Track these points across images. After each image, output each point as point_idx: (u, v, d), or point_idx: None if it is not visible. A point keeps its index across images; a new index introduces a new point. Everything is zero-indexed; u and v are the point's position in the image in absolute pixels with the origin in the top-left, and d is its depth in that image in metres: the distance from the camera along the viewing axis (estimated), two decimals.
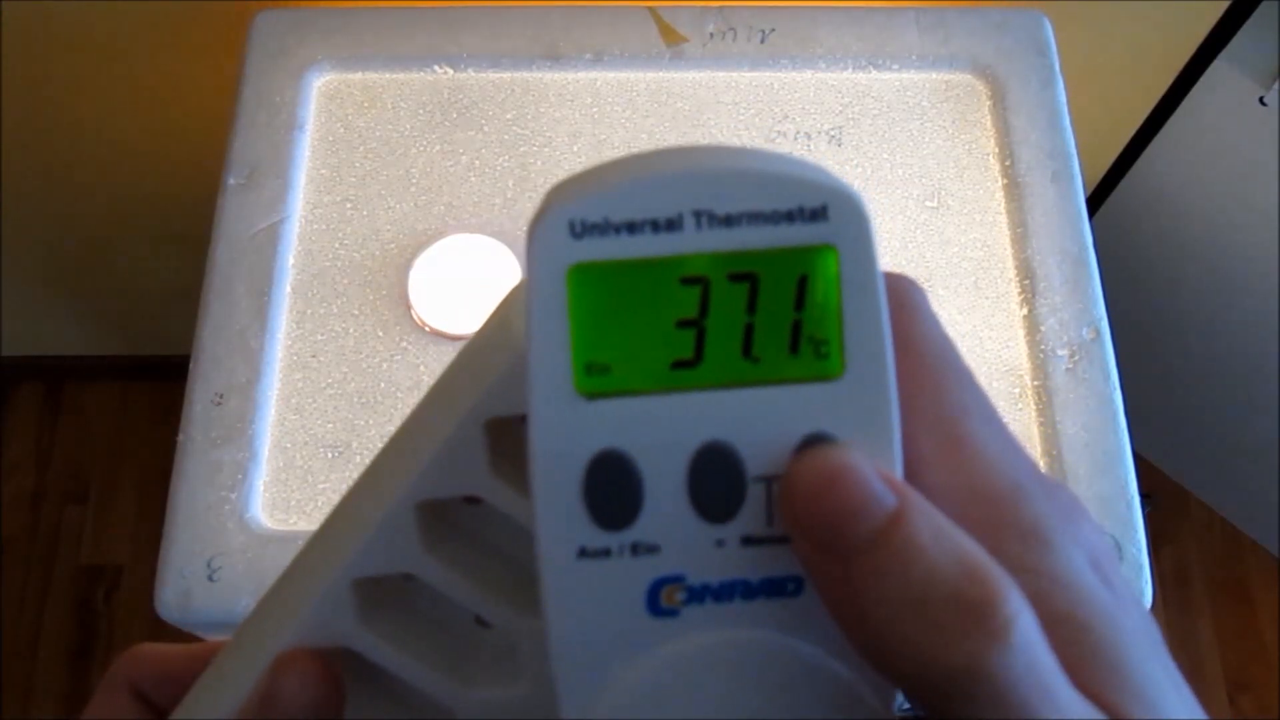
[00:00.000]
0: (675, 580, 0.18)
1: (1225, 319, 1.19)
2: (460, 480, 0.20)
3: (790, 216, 0.17)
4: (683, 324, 0.18)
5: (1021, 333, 0.71)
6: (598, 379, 0.17)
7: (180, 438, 0.66)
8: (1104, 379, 0.69)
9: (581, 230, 0.17)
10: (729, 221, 0.17)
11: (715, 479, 0.18)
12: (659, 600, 0.18)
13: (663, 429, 0.18)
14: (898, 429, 0.18)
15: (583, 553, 0.18)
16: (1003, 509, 0.19)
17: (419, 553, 0.21)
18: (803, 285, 0.18)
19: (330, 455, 0.66)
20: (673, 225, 0.17)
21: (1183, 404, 1.33)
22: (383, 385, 0.69)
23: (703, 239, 0.17)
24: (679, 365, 0.18)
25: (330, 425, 0.67)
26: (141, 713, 0.25)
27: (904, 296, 0.20)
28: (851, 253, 0.17)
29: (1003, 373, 0.70)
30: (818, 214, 0.17)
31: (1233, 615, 1.40)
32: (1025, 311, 0.71)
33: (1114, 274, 0.79)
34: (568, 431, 0.17)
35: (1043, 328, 0.70)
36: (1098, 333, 0.70)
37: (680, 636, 0.18)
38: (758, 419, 0.18)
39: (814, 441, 0.18)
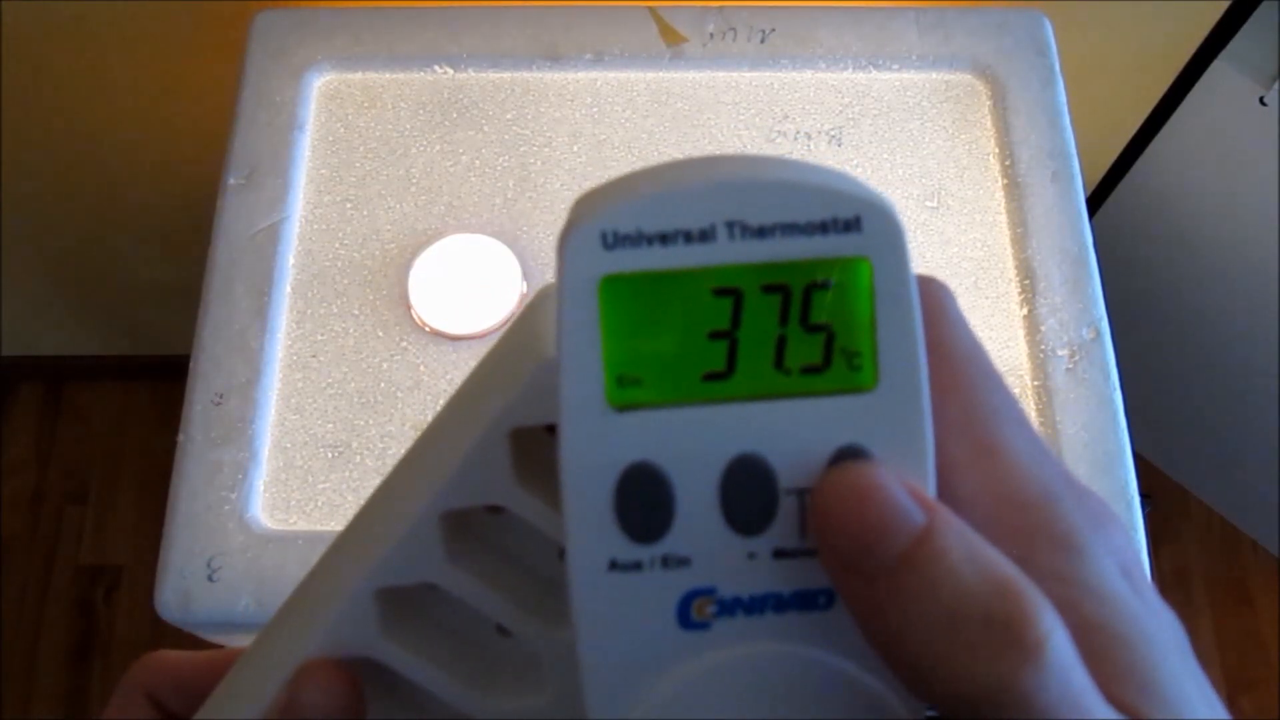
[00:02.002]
0: (706, 593, 0.18)
1: (1225, 319, 1.19)
2: (485, 490, 0.20)
3: (824, 228, 0.17)
4: (715, 335, 0.18)
5: (1021, 333, 0.71)
6: (629, 391, 0.17)
7: (180, 438, 0.66)
8: (1104, 379, 0.69)
9: (614, 241, 0.17)
10: (762, 233, 0.17)
11: (747, 492, 0.18)
12: (690, 613, 0.18)
13: (694, 441, 0.18)
14: (931, 441, 0.18)
15: (613, 565, 0.18)
16: (1034, 516, 0.18)
17: (443, 563, 0.21)
18: (836, 297, 0.17)
19: (330, 455, 0.66)
20: (705, 236, 0.17)
21: (1183, 404, 1.33)
22: (383, 385, 0.69)
23: (736, 250, 0.17)
24: (711, 377, 0.18)
25: (330, 425, 0.67)
26: (157, 718, 0.25)
27: (932, 299, 0.20)
28: (885, 264, 0.17)
29: (1003, 373, 0.70)
30: (851, 225, 0.17)
31: (1233, 615, 1.40)
32: (1025, 311, 0.71)
33: (1114, 274, 0.79)
34: (599, 444, 0.17)
35: (1043, 328, 0.70)
36: (1098, 333, 0.70)
37: (711, 649, 0.18)
38: (790, 431, 0.18)
39: (845, 456, 0.18)
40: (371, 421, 0.68)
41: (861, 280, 0.17)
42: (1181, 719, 0.17)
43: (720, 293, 0.17)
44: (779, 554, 0.18)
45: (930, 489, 0.18)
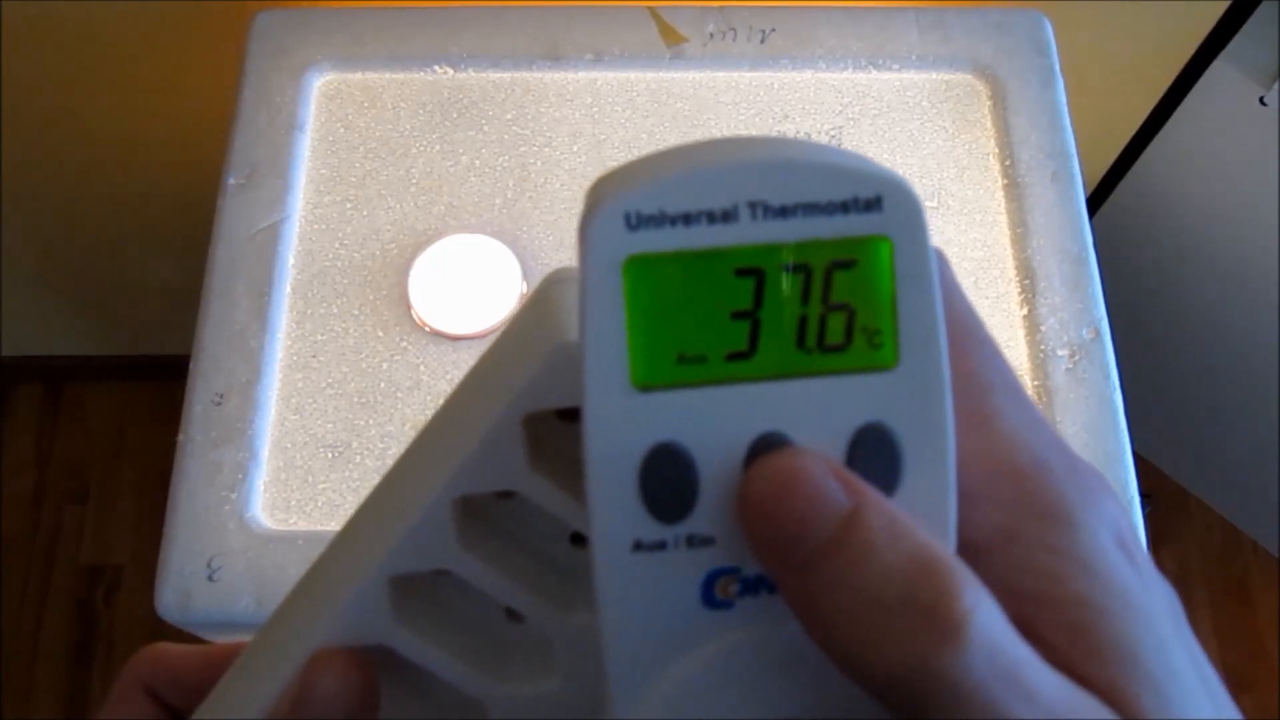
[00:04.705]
0: (730, 572, 0.18)
1: (1225, 319, 1.19)
2: (499, 475, 0.20)
3: (845, 207, 0.17)
4: (737, 315, 0.18)
5: (1021, 333, 0.71)
6: (653, 371, 0.17)
7: (180, 438, 0.66)
8: (1104, 379, 0.69)
9: (637, 222, 0.17)
10: (784, 212, 0.17)
11: None
12: (713, 592, 0.18)
13: (718, 421, 0.18)
14: (951, 418, 0.18)
15: (638, 546, 0.18)
16: (1024, 486, 0.18)
17: (456, 549, 0.21)
18: (857, 276, 0.18)
19: (330, 455, 0.66)
20: (728, 216, 0.17)
21: (1183, 404, 1.33)
22: (383, 385, 0.69)
23: (757, 230, 0.17)
24: (734, 357, 0.18)
25: (330, 425, 0.67)
26: (157, 714, 0.25)
27: None
28: (905, 243, 0.17)
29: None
30: (872, 205, 0.17)
31: (1233, 615, 1.40)
32: (1025, 311, 0.71)
33: (1114, 274, 0.79)
34: (623, 424, 0.17)
35: (1043, 328, 0.70)
36: (1098, 333, 0.70)
37: (734, 629, 0.18)
38: (812, 410, 0.18)
39: (867, 434, 0.18)
40: (371, 421, 0.68)
41: (882, 259, 0.17)
42: (1161, 695, 0.17)
43: (743, 272, 0.17)
44: None
45: (950, 465, 0.18)
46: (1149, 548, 0.65)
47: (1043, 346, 0.70)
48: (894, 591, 0.16)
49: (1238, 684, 1.36)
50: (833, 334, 0.18)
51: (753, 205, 0.17)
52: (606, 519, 0.18)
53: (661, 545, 0.18)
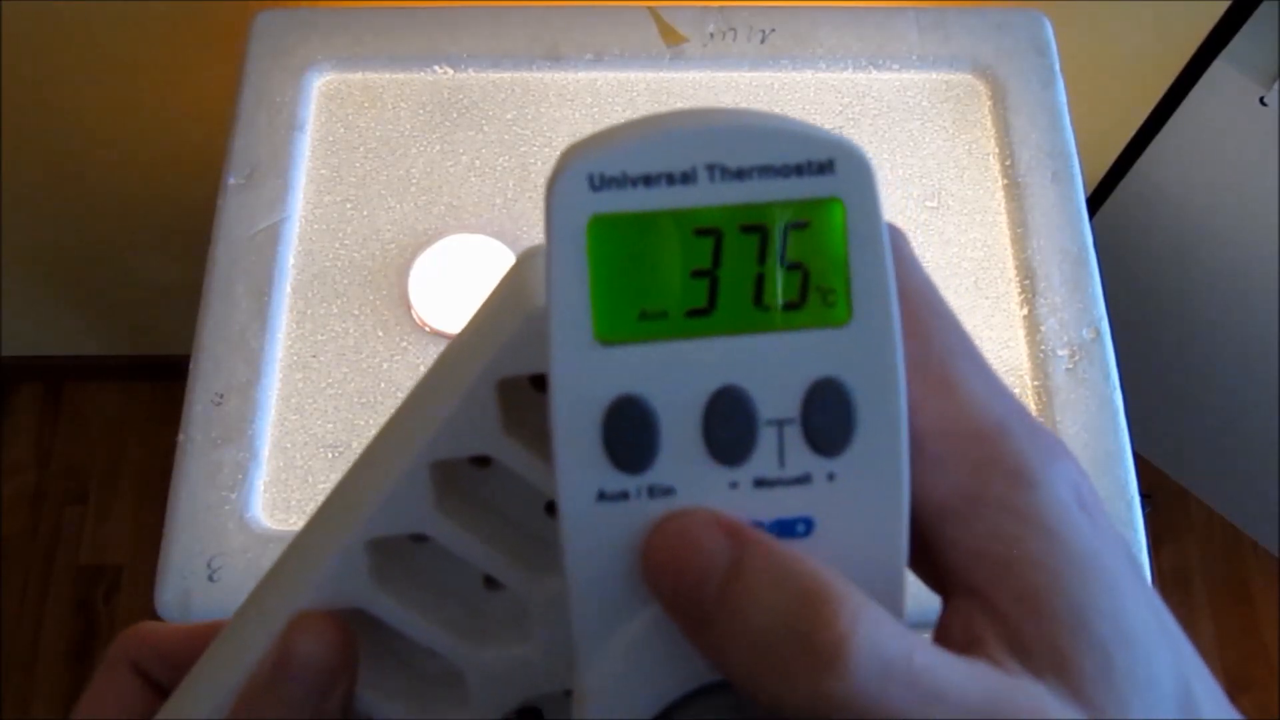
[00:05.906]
0: None
1: (1225, 319, 1.19)
2: (474, 439, 0.21)
3: (799, 170, 0.18)
4: (697, 274, 0.18)
5: (1021, 333, 0.71)
6: (616, 326, 0.18)
7: (180, 438, 0.66)
8: (1104, 379, 0.69)
9: (600, 183, 0.18)
10: (740, 175, 0.18)
11: (729, 423, 0.18)
12: None
13: (678, 374, 0.18)
14: (902, 371, 0.19)
15: (602, 495, 0.18)
16: (987, 448, 0.19)
17: (433, 513, 0.22)
18: (811, 236, 0.18)
19: (330, 455, 0.66)
20: (687, 178, 0.18)
21: (1183, 404, 1.33)
22: (383, 385, 0.69)
23: (716, 192, 0.18)
24: (694, 313, 0.18)
25: (330, 425, 0.67)
26: (143, 690, 0.25)
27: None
28: (857, 205, 0.18)
29: (1003, 373, 0.70)
30: (825, 168, 0.18)
31: (1233, 615, 1.40)
32: (1025, 311, 0.71)
33: (1114, 274, 0.79)
34: (588, 377, 0.18)
35: (1043, 328, 0.70)
36: (1098, 333, 0.70)
37: None
38: (769, 364, 0.18)
39: (821, 387, 0.18)
40: (371, 421, 0.68)
41: (835, 220, 0.18)
42: (1107, 657, 0.17)
43: (701, 233, 0.18)
44: (760, 483, 0.19)
45: (902, 417, 0.19)
46: (1149, 548, 0.65)
47: (1043, 346, 0.70)
48: (778, 628, 0.16)
49: (1238, 684, 1.36)
50: (788, 292, 0.18)
51: (711, 168, 0.18)
52: (571, 469, 0.18)
53: (624, 495, 0.18)
